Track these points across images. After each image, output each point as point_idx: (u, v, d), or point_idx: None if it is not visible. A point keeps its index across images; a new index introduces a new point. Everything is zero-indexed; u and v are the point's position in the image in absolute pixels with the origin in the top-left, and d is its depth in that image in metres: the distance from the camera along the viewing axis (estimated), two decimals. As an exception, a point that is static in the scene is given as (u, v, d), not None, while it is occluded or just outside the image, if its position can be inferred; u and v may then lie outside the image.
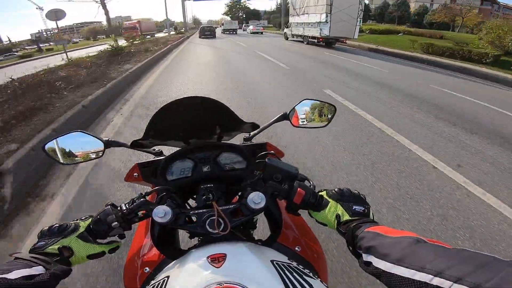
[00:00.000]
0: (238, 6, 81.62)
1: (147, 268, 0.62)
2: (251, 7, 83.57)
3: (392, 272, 0.39)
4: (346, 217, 0.56)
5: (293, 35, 19.68)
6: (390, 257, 0.41)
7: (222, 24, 46.48)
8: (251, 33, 34.47)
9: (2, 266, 0.42)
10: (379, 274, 0.42)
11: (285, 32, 21.86)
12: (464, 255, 0.35)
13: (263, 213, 0.73)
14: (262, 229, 0.84)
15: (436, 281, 0.33)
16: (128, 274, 0.66)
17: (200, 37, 26.62)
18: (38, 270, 0.45)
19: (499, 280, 0.28)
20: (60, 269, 0.48)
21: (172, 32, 38.29)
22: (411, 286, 0.36)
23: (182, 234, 0.83)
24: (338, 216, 0.56)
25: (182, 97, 0.74)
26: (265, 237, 0.68)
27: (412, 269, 0.37)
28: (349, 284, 1.48)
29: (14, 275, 0.41)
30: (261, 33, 33.94)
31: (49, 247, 0.52)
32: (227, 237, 0.57)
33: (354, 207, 0.57)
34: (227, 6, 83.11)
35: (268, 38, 24.22)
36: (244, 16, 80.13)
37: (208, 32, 26.87)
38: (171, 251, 0.63)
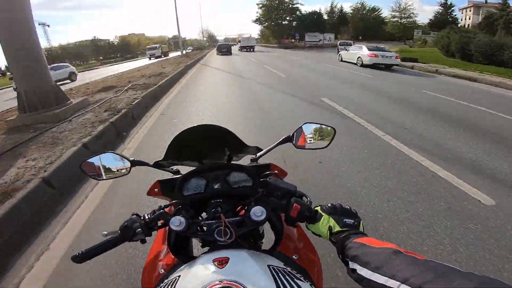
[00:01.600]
0: (281, 6, 46.33)
1: (162, 270, 0.71)
2: (303, 9, 47.71)
3: (371, 278, 0.45)
4: (337, 228, 0.62)
5: None
6: (371, 265, 0.46)
7: (239, 41, 41.52)
8: (360, 64, 13.54)
9: None
10: (361, 280, 0.48)
11: None
12: (430, 265, 0.40)
13: (270, 226, 0.82)
14: (271, 240, 0.91)
15: (402, 287, 0.39)
16: (146, 275, 0.76)
17: (217, 54, 28.32)
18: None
19: None
20: None
21: None
22: None
23: (197, 245, 0.92)
24: (330, 228, 0.63)
25: (195, 125, 0.86)
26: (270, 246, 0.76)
27: (386, 276, 0.42)
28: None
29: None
30: (394, 66, 13.23)
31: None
32: (232, 245, 0.65)
33: (344, 219, 0.63)
34: (262, 6, 47.60)
35: None
36: (293, 22, 45.69)
37: (224, 49, 29.27)
38: (184, 257, 0.73)
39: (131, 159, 0.86)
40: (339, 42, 26.12)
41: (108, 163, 0.85)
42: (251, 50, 34.65)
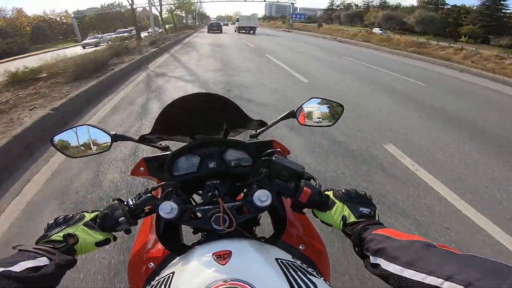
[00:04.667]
0: None
1: (151, 263, 0.62)
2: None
3: (402, 275, 0.39)
4: (352, 219, 0.55)
5: None
6: (400, 260, 0.41)
7: (237, 20, 33.15)
8: None
9: (6, 259, 0.42)
10: (388, 277, 0.42)
11: None
12: (474, 261, 0.35)
13: (268, 211, 0.73)
14: (265, 225, 0.82)
15: (446, 285, 0.33)
16: (132, 269, 0.67)
17: (208, 31, 27.52)
18: (42, 261, 0.44)
19: (508, 286, 0.29)
20: (65, 259, 0.47)
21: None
22: None
23: (186, 229, 0.83)
24: (344, 218, 0.56)
25: (191, 93, 0.74)
26: (266, 233, 0.67)
27: (423, 272, 0.37)
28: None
29: (19, 267, 0.40)
30: None
31: (54, 235, 0.52)
32: (231, 234, 0.58)
33: (360, 209, 0.56)
34: None
35: None
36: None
37: (215, 27, 28.84)
38: (176, 247, 0.64)
39: (112, 133, 0.73)
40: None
41: (85, 137, 0.72)
42: (252, 32, 28.90)
